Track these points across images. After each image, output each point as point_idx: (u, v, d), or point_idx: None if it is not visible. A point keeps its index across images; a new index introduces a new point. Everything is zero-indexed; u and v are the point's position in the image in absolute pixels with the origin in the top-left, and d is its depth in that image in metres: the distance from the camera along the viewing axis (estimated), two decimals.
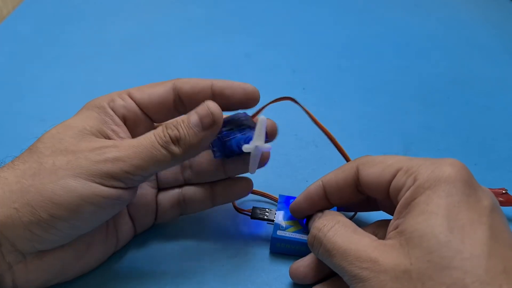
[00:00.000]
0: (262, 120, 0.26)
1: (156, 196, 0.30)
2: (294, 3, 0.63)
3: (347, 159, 0.31)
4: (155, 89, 0.28)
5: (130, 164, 0.24)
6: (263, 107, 0.29)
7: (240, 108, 0.29)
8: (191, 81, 0.28)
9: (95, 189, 0.23)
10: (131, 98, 0.28)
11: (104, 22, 0.56)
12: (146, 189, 0.30)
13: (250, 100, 0.28)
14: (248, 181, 0.31)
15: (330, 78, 0.49)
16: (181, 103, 0.28)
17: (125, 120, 0.28)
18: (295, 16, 0.60)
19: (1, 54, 0.50)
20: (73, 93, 0.44)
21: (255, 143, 0.27)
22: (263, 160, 0.29)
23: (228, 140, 0.27)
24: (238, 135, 0.27)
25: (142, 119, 0.28)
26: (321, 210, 0.28)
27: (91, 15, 0.57)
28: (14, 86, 0.45)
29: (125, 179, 0.24)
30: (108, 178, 0.24)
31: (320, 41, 0.55)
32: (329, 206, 0.29)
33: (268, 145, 0.27)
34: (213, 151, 0.28)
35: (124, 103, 0.28)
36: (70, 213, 0.23)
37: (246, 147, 0.27)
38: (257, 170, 0.29)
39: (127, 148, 0.24)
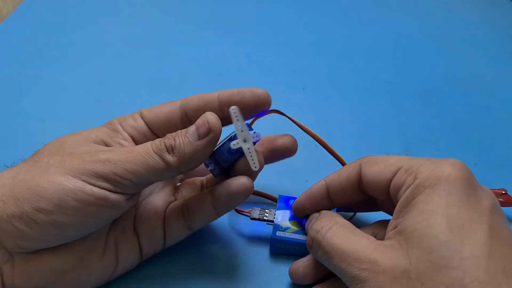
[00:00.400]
0: (232, 110, 0.25)
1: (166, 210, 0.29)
2: (294, 3, 0.63)
3: (341, 161, 0.31)
4: (163, 108, 0.29)
5: (121, 167, 0.24)
6: (251, 122, 0.29)
7: (250, 114, 0.28)
8: (197, 96, 0.28)
9: (80, 185, 0.23)
10: (142, 118, 0.29)
11: (104, 22, 0.56)
12: (158, 200, 0.29)
13: (261, 103, 0.27)
14: (245, 178, 0.28)
15: (330, 78, 0.49)
16: (188, 120, 0.28)
17: (134, 140, 0.28)
18: (295, 17, 0.60)
19: (1, 54, 0.50)
20: (73, 93, 0.44)
21: (241, 137, 0.25)
22: (288, 148, 0.28)
23: (217, 150, 0.27)
24: (224, 142, 0.27)
25: (151, 139, 0.28)
26: (318, 210, 0.28)
27: (91, 15, 0.57)
28: (14, 86, 0.45)
29: (113, 181, 0.24)
30: (96, 177, 0.23)
31: (320, 41, 0.55)
32: (331, 206, 0.29)
33: (255, 133, 0.26)
34: (211, 171, 0.28)
35: (135, 123, 0.28)
36: (52, 206, 0.23)
37: (233, 143, 0.25)
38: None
39: (122, 153, 0.24)
